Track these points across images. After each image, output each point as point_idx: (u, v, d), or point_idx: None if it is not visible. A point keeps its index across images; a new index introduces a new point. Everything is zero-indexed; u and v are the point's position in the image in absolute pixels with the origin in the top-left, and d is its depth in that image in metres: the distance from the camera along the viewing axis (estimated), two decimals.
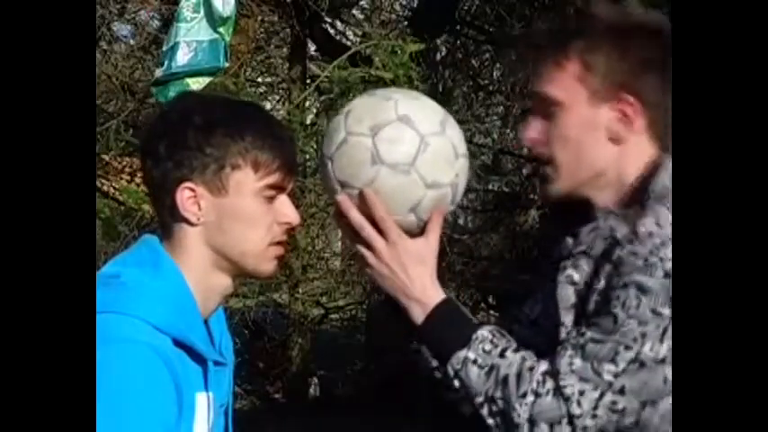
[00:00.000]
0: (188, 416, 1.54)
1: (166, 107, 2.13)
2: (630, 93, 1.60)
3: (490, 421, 1.53)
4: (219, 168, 1.57)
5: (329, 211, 7.71)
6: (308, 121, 6.92)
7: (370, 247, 1.61)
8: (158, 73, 4.14)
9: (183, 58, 4.05)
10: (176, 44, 4.07)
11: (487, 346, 1.56)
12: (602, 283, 1.53)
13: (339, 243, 9.29)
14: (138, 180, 11.34)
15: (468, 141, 7.53)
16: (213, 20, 4.05)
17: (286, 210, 1.61)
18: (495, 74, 8.51)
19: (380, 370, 8.05)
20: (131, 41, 6.90)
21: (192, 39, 4.06)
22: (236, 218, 1.58)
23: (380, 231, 1.60)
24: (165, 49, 4.17)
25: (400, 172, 1.59)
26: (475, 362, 1.55)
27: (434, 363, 1.60)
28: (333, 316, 9.09)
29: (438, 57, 7.96)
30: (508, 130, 9.01)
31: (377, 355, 8.13)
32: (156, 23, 6.69)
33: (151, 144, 1.61)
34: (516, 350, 1.56)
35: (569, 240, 1.63)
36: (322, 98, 6.30)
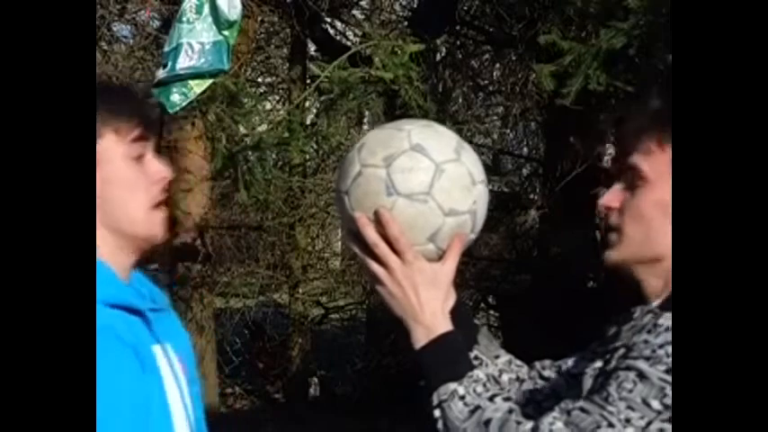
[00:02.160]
0: (151, 368, 1.60)
1: None
2: None
3: None
4: None
5: (329, 210, 7.72)
6: (308, 121, 6.92)
7: (383, 265, 1.60)
8: (161, 74, 4.13)
9: (186, 59, 4.04)
10: (179, 45, 4.05)
11: (479, 388, 1.56)
12: (612, 364, 1.54)
13: (339, 243, 9.30)
14: None
15: (468, 141, 7.54)
16: (219, 23, 4.04)
17: (155, 166, 1.69)
18: (495, 74, 8.50)
19: (380, 370, 8.05)
20: (131, 41, 6.90)
21: (195, 40, 4.05)
22: (113, 183, 1.64)
23: (395, 252, 1.59)
24: (167, 49, 4.15)
25: (417, 201, 1.59)
26: (462, 398, 1.55)
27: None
28: (333, 316, 9.10)
29: (438, 57, 7.95)
30: (508, 130, 9.01)
31: (377, 356, 8.13)
32: (156, 23, 6.68)
33: None
34: (506, 399, 1.57)
35: (611, 332, 1.63)
36: (322, 98, 6.29)
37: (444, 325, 1.61)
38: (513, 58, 7.45)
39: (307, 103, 7.03)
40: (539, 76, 5.07)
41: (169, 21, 5.15)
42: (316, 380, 8.47)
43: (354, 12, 8.61)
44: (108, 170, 1.63)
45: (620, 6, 4.62)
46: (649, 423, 1.45)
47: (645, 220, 1.60)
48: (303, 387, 8.18)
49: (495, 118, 9.02)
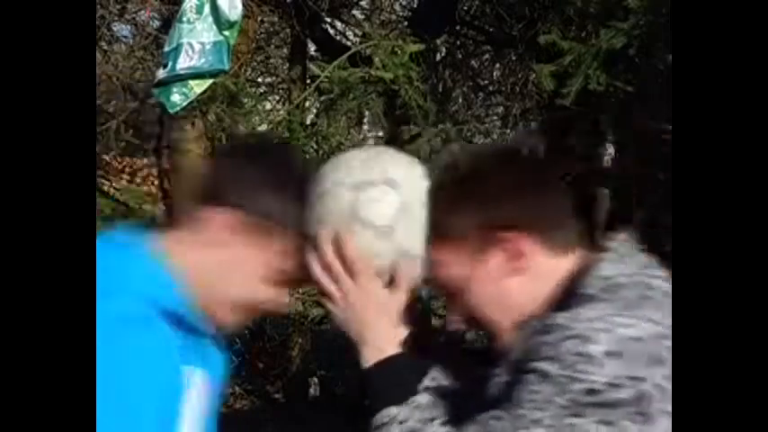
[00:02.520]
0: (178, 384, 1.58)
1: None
2: (502, 228, 1.60)
3: None
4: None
5: None
6: (308, 121, 6.92)
7: (337, 285, 1.63)
8: (161, 74, 4.13)
9: (186, 59, 4.04)
10: (179, 45, 4.06)
11: (418, 414, 1.59)
12: (516, 370, 1.55)
13: None
14: (138, 180, 11.37)
15: (469, 141, 7.53)
16: (220, 23, 4.04)
17: (281, 298, 1.68)
18: (495, 74, 8.50)
19: None
20: (131, 41, 6.90)
21: (195, 40, 4.05)
22: (237, 271, 1.63)
23: (350, 274, 1.62)
24: (167, 49, 4.15)
25: (379, 233, 1.60)
26: (401, 423, 1.58)
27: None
28: None
29: (438, 57, 7.95)
30: (508, 131, 9.00)
31: None
32: (156, 23, 6.68)
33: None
34: (444, 423, 1.58)
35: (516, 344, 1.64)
36: (322, 98, 6.29)
37: (391, 348, 1.63)
38: (513, 58, 7.45)
39: (307, 103, 7.03)
40: (539, 76, 5.07)
41: (169, 21, 5.15)
42: (316, 380, 8.46)
43: (354, 12, 8.61)
44: (246, 263, 1.63)
45: (620, 6, 4.62)
46: (558, 420, 1.46)
47: (488, 301, 1.62)
48: (303, 387, 8.18)
49: (495, 118, 9.02)
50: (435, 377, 1.72)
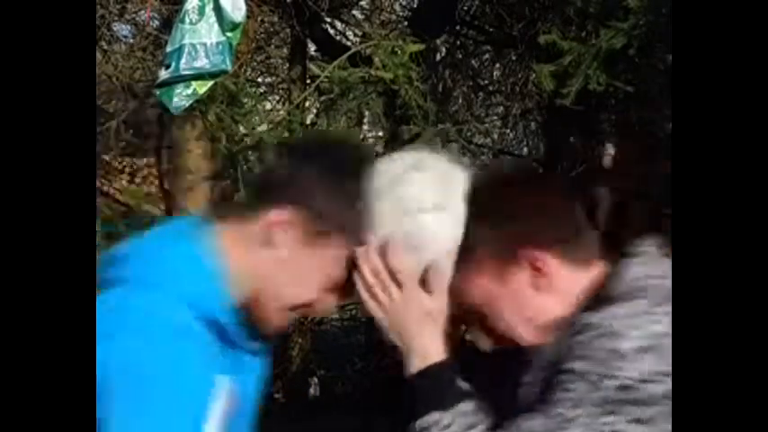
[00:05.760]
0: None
1: None
2: (524, 245, 1.61)
3: None
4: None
5: None
6: (308, 121, 6.92)
7: (385, 293, 1.63)
8: (163, 75, 4.12)
9: (188, 60, 4.04)
10: (182, 46, 4.05)
11: (461, 420, 1.58)
12: (554, 371, 1.55)
13: None
14: (138, 180, 11.38)
15: (469, 141, 7.54)
16: (223, 24, 4.04)
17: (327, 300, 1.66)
18: (495, 74, 8.50)
19: (380, 370, 8.04)
20: (131, 41, 6.90)
21: (198, 41, 4.04)
22: (297, 270, 1.60)
23: (396, 283, 1.62)
24: (169, 50, 4.15)
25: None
26: (445, 427, 1.58)
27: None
28: (333, 316, 9.09)
29: (438, 57, 7.95)
30: (508, 131, 9.01)
31: (377, 355, 8.12)
32: (156, 23, 6.69)
33: None
34: (486, 430, 1.58)
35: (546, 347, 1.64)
36: (322, 98, 6.30)
37: (436, 356, 1.63)
38: (513, 58, 7.46)
39: (307, 103, 7.03)
40: (539, 76, 5.07)
41: (169, 21, 5.15)
42: (316, 380, 8.46)
43: (354, 12, 8.61)
44: (309, 259, 1.60)
45: (620, 6, 4.63)
46: (593, 418, 1.46)
47: (517, 319, 1.62)
48: (303, 387, 8.18)
49: (495, 118, 9.02)
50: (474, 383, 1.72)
